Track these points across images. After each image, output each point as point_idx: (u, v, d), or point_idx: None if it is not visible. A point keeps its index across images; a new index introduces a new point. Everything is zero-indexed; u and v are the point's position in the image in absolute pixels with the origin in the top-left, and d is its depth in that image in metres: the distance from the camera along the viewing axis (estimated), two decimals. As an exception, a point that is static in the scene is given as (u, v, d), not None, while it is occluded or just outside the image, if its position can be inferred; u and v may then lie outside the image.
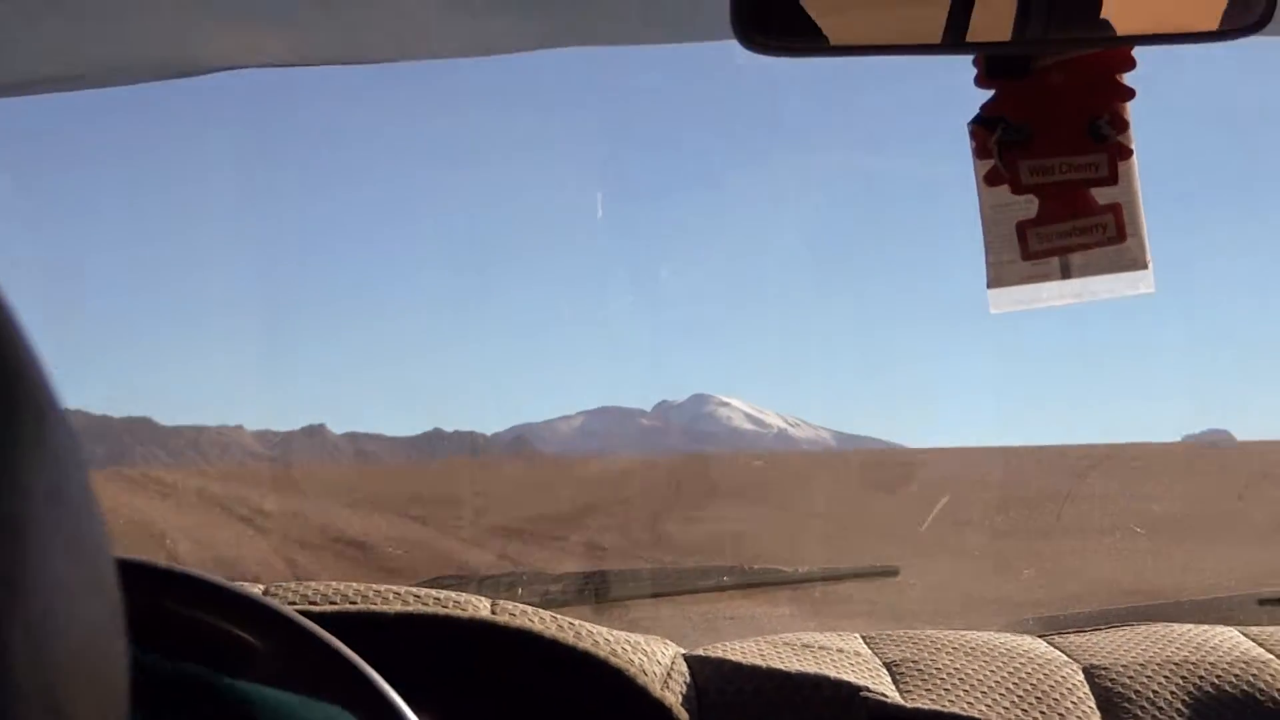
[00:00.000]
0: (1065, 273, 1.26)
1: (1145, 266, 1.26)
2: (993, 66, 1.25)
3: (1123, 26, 1.19)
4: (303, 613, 1.07)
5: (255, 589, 1.30)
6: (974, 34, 1.18)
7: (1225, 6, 1.17)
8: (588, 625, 1.35)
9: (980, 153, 1.25)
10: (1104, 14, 1.19)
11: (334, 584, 1.36)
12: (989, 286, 1.25)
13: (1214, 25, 1.18)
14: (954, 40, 1.18)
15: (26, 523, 0.36)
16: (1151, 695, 1.36)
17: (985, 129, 1.25)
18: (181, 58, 1.49)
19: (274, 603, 1.04)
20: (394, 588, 1.37)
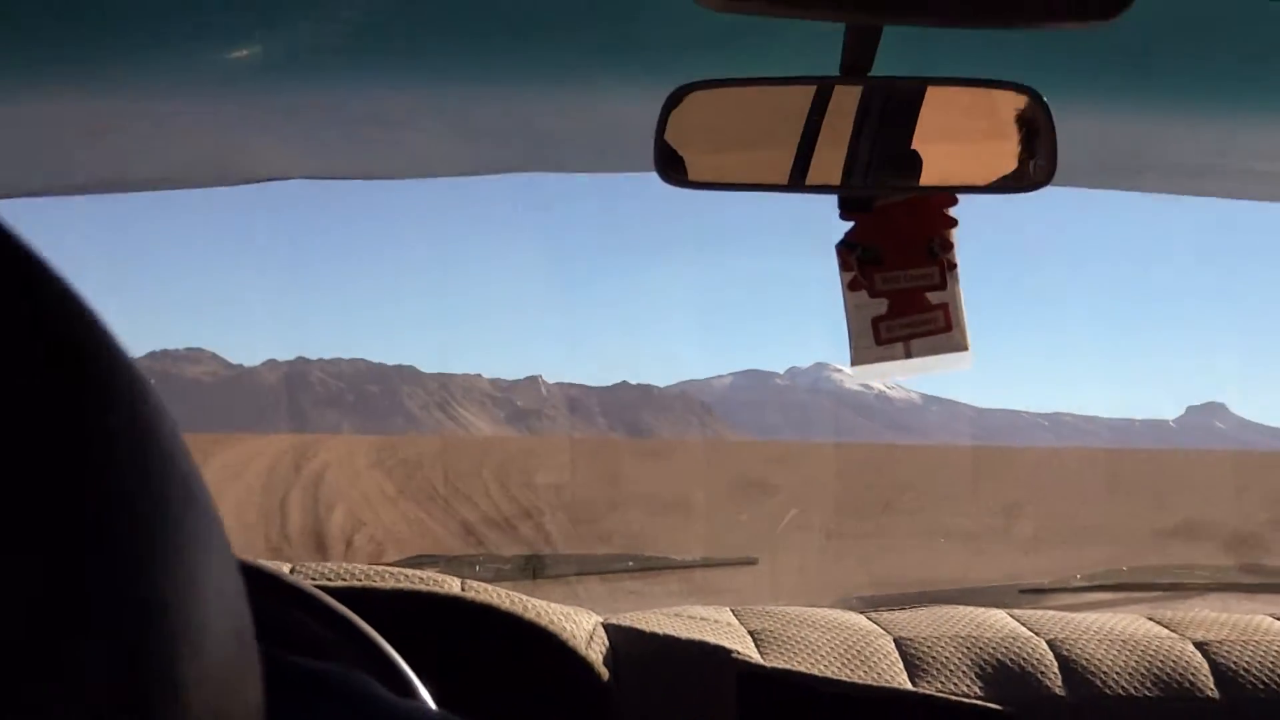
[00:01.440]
0: (908, 354, 1.44)
1: (966, 349, 1.44)
2: (845, 203, 1.44)
3: (926, 180, 1.38)
4: (320, 588, 1.19)
5: (284, 567, 1.44)
6: (811, 179, 1.36)
7: (1008, 172, 1.34)
8: (531, 600, 1.49)
9: (844, 267, 1.44)
10: (910, 170, 1.38)
11: (342, 565, 1.52)
12: (851, 365, 1.44)
13: (992, 180, 1.35)
14: (797, 184, 1.36)
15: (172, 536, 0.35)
16: (943, 661, 1.52)
17: (848, 250, 1.44)
18: (240, 169, 1.58)
19: (327, 597, 1.15)
20: (387, 568, 1.52)
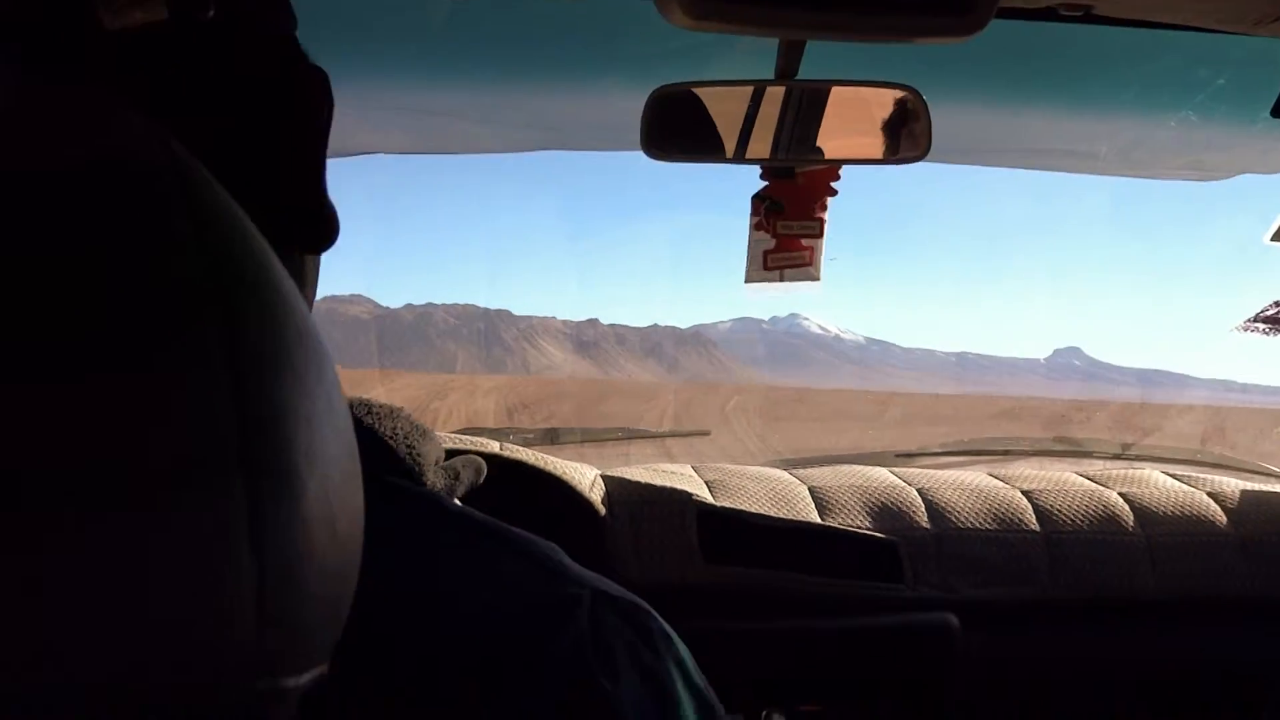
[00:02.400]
0: (781, 278, 1.56)
1: (818, 279, 1.56)
2: (772, 172, 1.52)
3: (829, 154, 1.46)
4: None
5: None
6: (750, 154, 1.45)
7: (887, 145, 1.43)
8: (550, 457, 1.53)
9: (754, 213, 1.53)
10: (820, 146, 1.45)
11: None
12: (745, 281, 1.57)
13: (881, 155, 1.45)
14: (740, 157, 1.45)
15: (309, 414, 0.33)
16: (843, 504, 1.57)
17: (759, 200, 1.53)
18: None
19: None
20: (445, 434, 1.55)
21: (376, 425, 0.62)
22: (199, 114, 0.49)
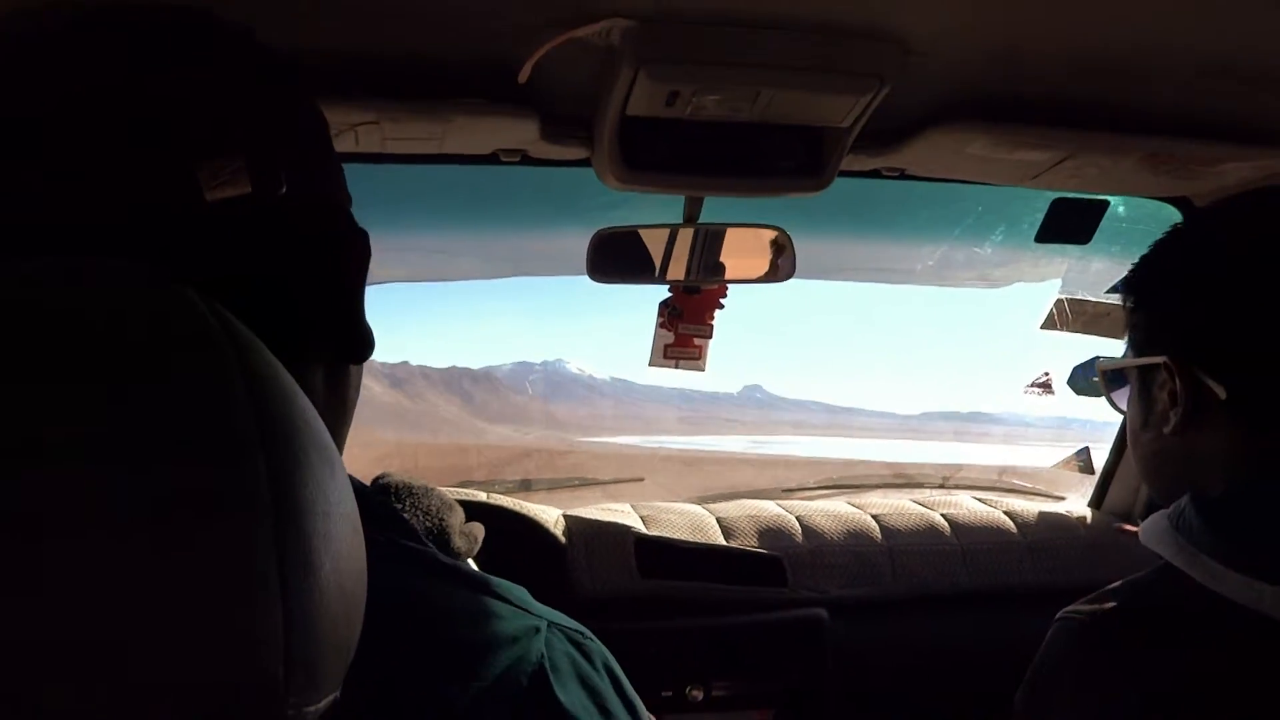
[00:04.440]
0: (676, 366, 1.52)
1: (704, 369, 1.51)
2: (685, 288, 1.49)
3: (726, 276, 1.45)
4: None
5: None
6: (671, 275, 1.43)
7: (767, 270, 1.43)
8: (525, 503, 1.50)
9: (660, 314, 1.50)
10: (720, 269, 1.45)
11: None
12: (649, 364, 1.52)
13: (763, 276, 1.44)
14: (661, 279, 1.44)
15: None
16: (741, 529, 1.55)
17: (665, 307, 1.50)
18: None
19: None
20: (445, 488, 1.37)
21: (414, 503, 0.62)
22: (275, 271, 0.49)
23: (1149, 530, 0.76)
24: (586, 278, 1.38)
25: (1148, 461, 0.85)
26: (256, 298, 0.46)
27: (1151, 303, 0.82)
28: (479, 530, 0.65)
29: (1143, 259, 0.84)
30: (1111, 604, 0.74)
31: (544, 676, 0.51)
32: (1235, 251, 0.76)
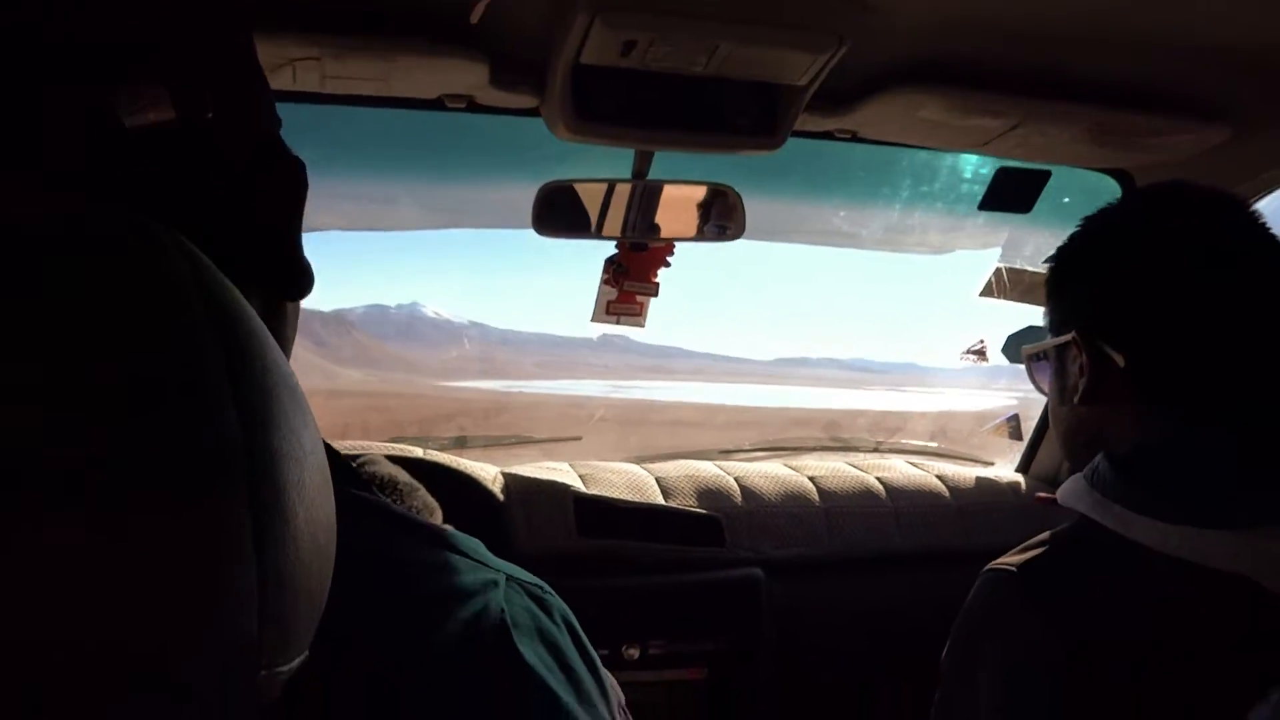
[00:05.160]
0: (618, 321, 1.51)
1: (643, 325, 1.53)
2: (632, 246, 1.47)
3: (665, 233, 1.44)
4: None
5: None
6: (606, 233, 1.41)
7: (713, 228, 1.41)
8: (462, 459, 1.50)
9: (605, 270, 1.49)
10: (659, 224, 1.42)
11: (350, 442, 1.47)
12: (590, 320, 1.52)
13: (708, 235, 1.43)
14: (598, 234, 1.41)
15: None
16: (680, 489, 1.55)
17: (611, 263, 1.50)
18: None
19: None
20: (381, 444, 1.49)
21: (398, 501, 0.61)
22: (203, 199, 0.47)
23: (1067, 490, 0.82)
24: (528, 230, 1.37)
25: (1065, 434, 0.93)
26: (184, 229, 0.45)
27: (1066, 289, 0.90)
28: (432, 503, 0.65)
29: (1058, 252, 0.92)
30: (1030, 557, 0.79)
31: (505, 631, 0.50)
32: (1137, 240, 0.84)
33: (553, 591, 0.57)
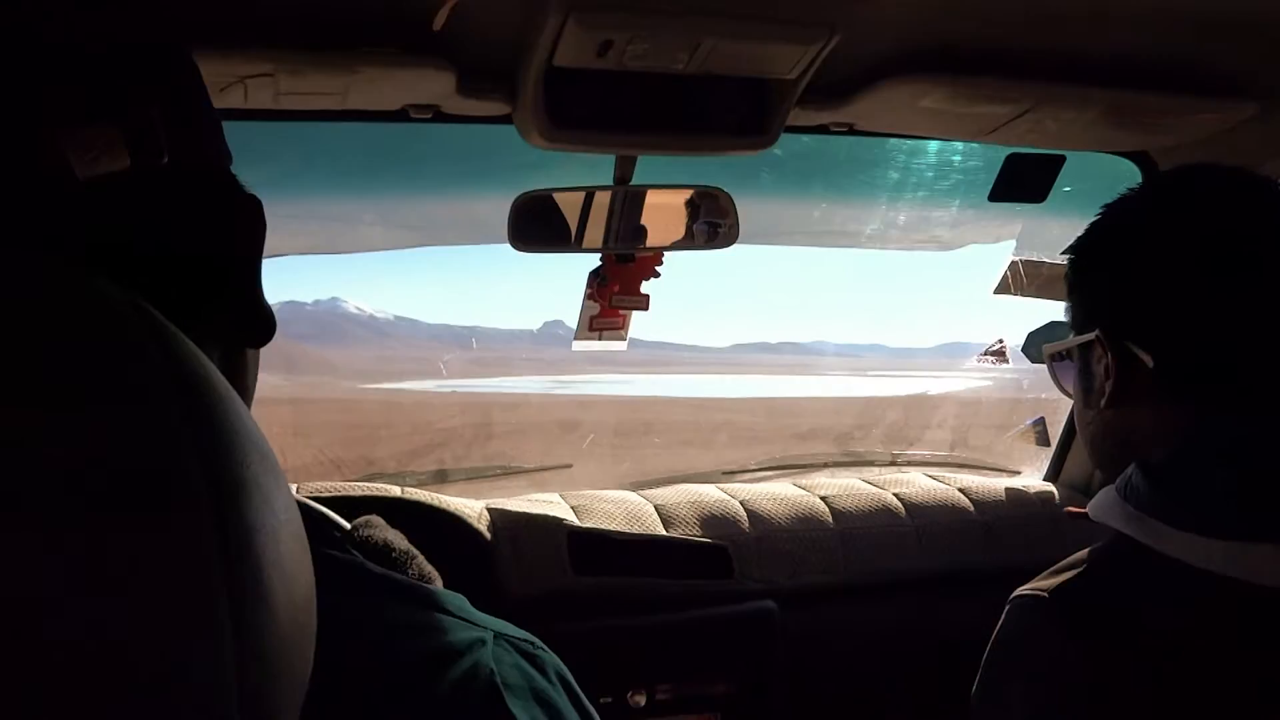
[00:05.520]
0: (600, 338, 1.52)
1: (625, 340, 1.52)
2: (617, 257, 1.47)
3: (652, 241, 1.44)
4: (311, 498, 1.32)
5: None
6: (587, 245, 1.41)
7: (706, 235, 1.42)
8: (444, 496, 1.48)
9: (589, 284, 1.50)
10: (645, 232, 1.43)
11: (320, 483, 1.45)
12: (574, 340, 1.53)
13: (701, 243, 1.44)
14: (579, 246, 1.41)
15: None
16: (683, 518, 1.55)
17: (595, 276, 1.50)
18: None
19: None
20: (353, 483, 1.47)
21: (395, 569, 0.61)
22: (158, 249, 0.48)
23: (1099, 504, 0.82)
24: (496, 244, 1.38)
25: (1092, 440, 0.93)
26: (141, 278, 0.44)
27: (1087, 285, 0.89)
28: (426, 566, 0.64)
29: (1075, 245, 0.91)
30: (1063, 580, 0.78)
31: (495, 692, 0.51)
32: (1160, 231, 0.84)
33: (545, 646, 0.58)
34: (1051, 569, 0.81)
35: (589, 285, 1.53)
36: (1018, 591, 0.81)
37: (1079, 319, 0.91)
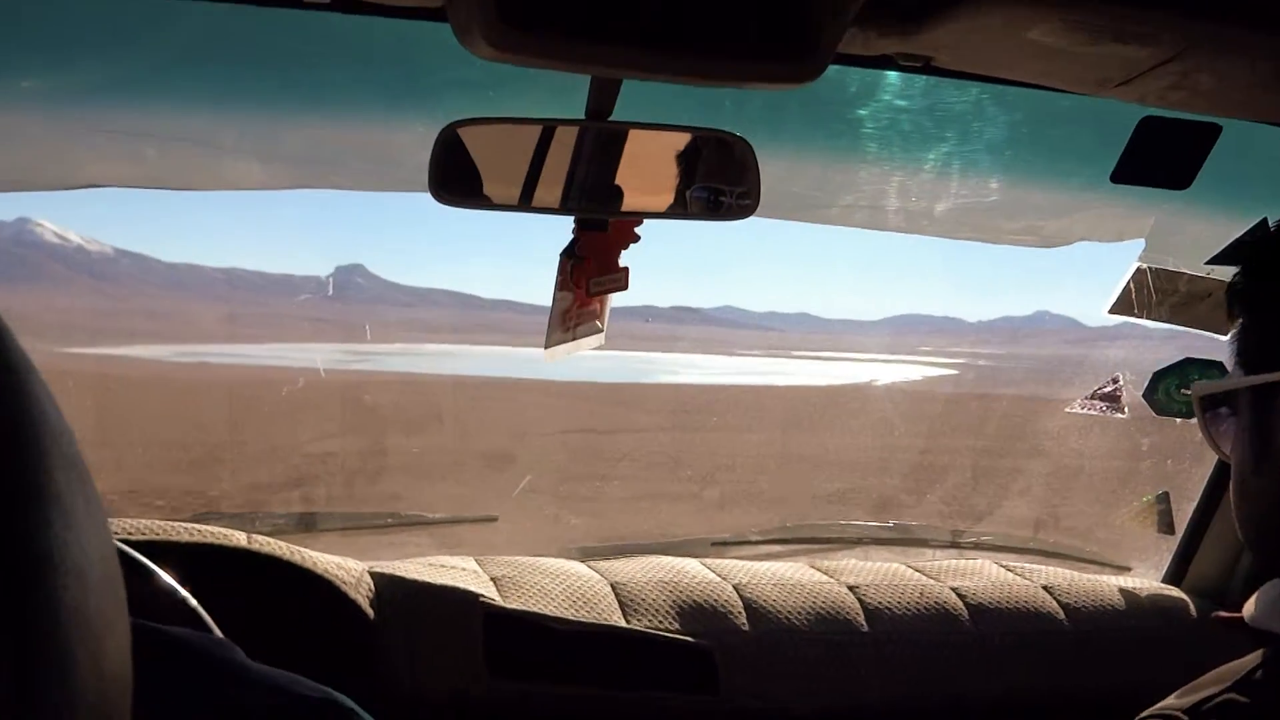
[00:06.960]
0: (574, 338, 1.56)
1: (602, 332, 1.58)
2: (584, 223, 1.49)
3: (630, 205, 1.44)
4: (125, 541, 1.17)
5: None
6: (537, 203, 1.41)
7: (710, 199, 1.43)
8: (308, 551, 1.49)
9: (561, 271, 1.52)
10: (620, 190, 1.43)
11: (137, 520, 1.44)
12: (545, 349, 1.56)
13: (703, 210, 1.44)
14: (525, 206, 1.41)
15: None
16: (650, 603, 1.56)
17: (567, 258, 1.52)
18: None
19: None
20: (180, 524, 1.47)
21: None
22: None
23: (1263, 603, 0.83)
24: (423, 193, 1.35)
25: (1260, 518, 0.92)
26: None
27: (1263, 309, 0.89)
28: None
29: (1246, 252, 0.90)
30: (1209, 694, 0.79)
31: None
32: None
33: None
34: (1187, 686, 0.82)
35: (560, 272, 1.55)
36: (1147, 713, 0.82)
37: (1251, 352, 0.90)
